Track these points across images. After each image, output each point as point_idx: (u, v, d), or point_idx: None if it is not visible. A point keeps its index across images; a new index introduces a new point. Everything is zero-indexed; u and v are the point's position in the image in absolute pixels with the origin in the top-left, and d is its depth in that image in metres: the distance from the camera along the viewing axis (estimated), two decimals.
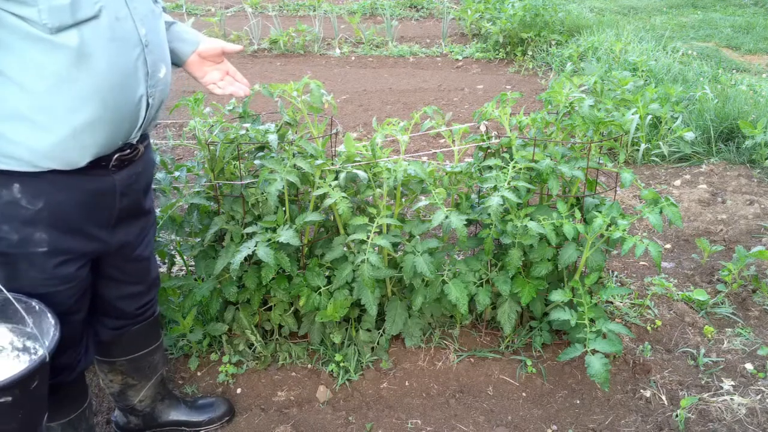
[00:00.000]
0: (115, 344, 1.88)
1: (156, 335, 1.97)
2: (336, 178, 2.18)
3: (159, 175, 2.38)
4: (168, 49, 1.62)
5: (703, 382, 2.32)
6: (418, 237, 2.26)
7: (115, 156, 1.52)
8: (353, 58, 7.38)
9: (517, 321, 2.45)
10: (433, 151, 4.29)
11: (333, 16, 8.08)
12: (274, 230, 2.12)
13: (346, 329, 2.43)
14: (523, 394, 2.29)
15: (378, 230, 2.16)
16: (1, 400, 1.26)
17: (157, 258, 2.13)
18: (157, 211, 2.31)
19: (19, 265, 1.48)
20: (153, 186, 2.37)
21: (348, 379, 2.32)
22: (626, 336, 2.48)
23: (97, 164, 1.48)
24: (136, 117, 1.51)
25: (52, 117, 1.36)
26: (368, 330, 2.42)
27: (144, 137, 1.64)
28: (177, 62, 1.81)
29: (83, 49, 1.34)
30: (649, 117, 4.42)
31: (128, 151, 1.55)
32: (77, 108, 1.38)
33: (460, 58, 7.31)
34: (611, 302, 2.74)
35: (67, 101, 1.36)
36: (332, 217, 2.35)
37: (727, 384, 2.29)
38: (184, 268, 2.65)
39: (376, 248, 2.20)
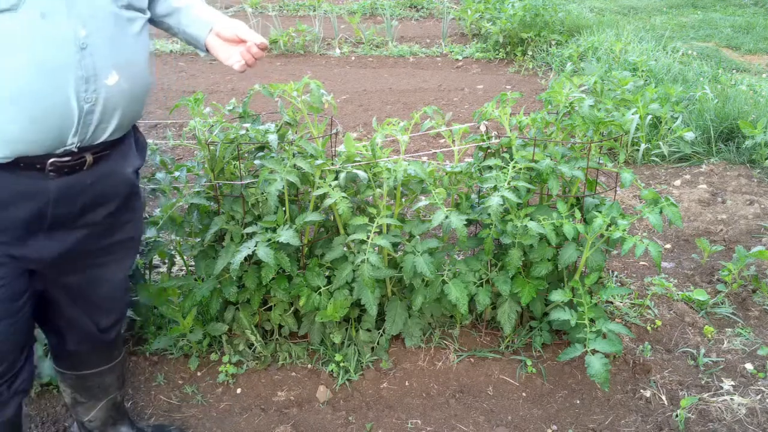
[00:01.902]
0: (62, 357, 1.83)
1: (108, 357, 1.88)
2: (336, 178, 2.18)
3: (159, 175, 2.38)
4: (133, 55, 1.52)
5: (703, 382, 2.32)
6: (418, 237, 2.26)
7: (50, 160, 1.43)
8: (353, 58, 7.38)
9: (517, 321, 2.45)
10: (433, 151, 4.29)
11: (333, 16, 8.08)
12: (274, 230, 2.12)
13: (346, 329, 2.43)
14: (523, 394, 2.29)
15: (378, 230, 2.16)
16: None
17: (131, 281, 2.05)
18: (157, 211, 2.31)
19: None
20: (153, 186, 2.38)
21: (348, 379, 2.32)
22: (626, 336, 2.48)
23: (31, 166, 1.42)
24: (67, 122, 1.41)
25: None
26: (368, 330, 2.42)
27: (97, 147, 1.51)
28: (199, 47, 1.79)
29: None
30: (649, 117, 4.42)
31: (68, 158, 1.45)
32: None
33: (460, 58, 7.31)
34: (611, 302, 2.74)
35: None
36: (332, 217, 2.35)
37: (727, 384, 2.29)
38: (184, 268, 2.65)
39: (376, 248, 2.20)
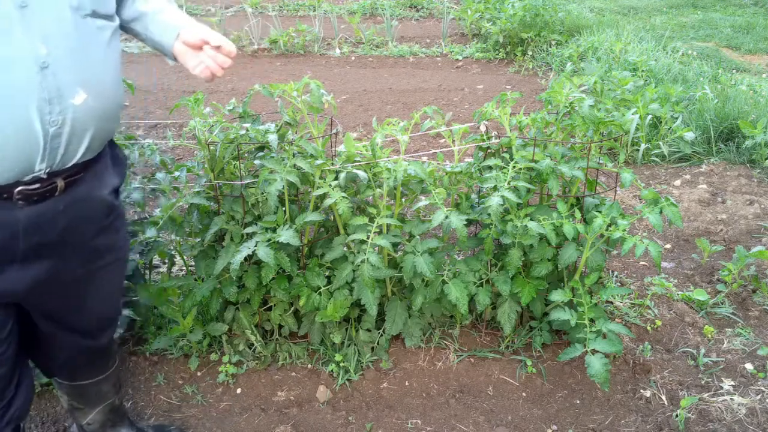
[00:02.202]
0: (57, 368, 1.78)
1: (102, 367, 1.85)
2: (336, 178, 2.18)
3: (159, 175, 2.38)
4: (102, 69, 1.41)
5: (703, 382, 2.32)
6: (418, 237, 2.26)
7: (18, 189, 1.34)
8: (353, 58, 7.38)
9: (517, 321, 2.45)
10: (433, 151, 4.29)
11: (333, 16, 8.08)
12: (274, 230, 2.12)
13: (346, 329, 2.43)
14: (523, 394, 2.29)
15: (378, 230, 2.16)
16: None
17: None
18: (157, 211, 2.31)
19: None
20: (153, 186, 2.38)
21: (348, 379, 2.32)
22: (626, 336, 2.48)
23: None
24: (33, 148, 1.31)
25: None
26: (368, 330, 2.42)
27: (68, 171, 1.42)
28: (168, 54, 1.66)
29: None
30: (649, 117, 4.42)
31: (37, 185, 1.36)
32: None
33: (460, 58, 7.31)
34: (611, 302, 2.74)
35: None
36: (332, 217, 2.35)
37: (727, 384, 2.29)
38: (184, 268, 2.65)
39: (376, 248, 2.20)
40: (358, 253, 2.16)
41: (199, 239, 2.33)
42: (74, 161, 1.40)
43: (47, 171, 1.36)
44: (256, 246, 2.05)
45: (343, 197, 2.11)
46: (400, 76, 6.62)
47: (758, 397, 2.23)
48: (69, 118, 1.33)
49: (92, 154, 1.46)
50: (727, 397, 2.21)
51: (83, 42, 1.36)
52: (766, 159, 4.20)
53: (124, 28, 1.63)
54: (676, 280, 2.96)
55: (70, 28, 1.33)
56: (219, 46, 1.61)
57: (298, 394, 2.27)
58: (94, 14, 1.38)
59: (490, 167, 2.28)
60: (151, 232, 2.34)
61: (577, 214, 2.22)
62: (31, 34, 1.26)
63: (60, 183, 1.41)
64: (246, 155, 2.27)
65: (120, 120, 1.56)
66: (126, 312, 2.21)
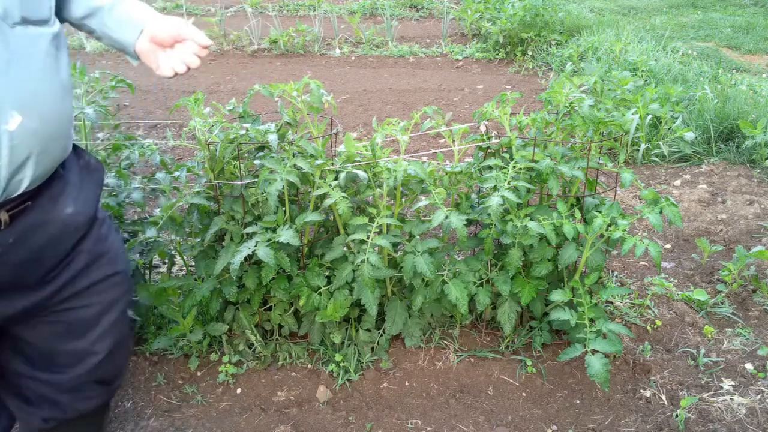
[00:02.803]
0: None
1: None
2: (336, 178, 2.18)
3: (159, 175, 2.38)
4: (40, 84, 1.22)
5: (703, 382, 2.32)
6: (418, 237, 2.26)
7: None
8: (353, 58, 7.38)
9: (517, 321, 2.45)
10: (433, 151, 4.29)
11: (333, 16, 8.08)
12: (274, 230, 2.12)
13: (346, 329, 2.43)
14: (523, 394, 2.29)
15: (378, 230, 2.16)
16: None
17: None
18: (157, 211, 2.31)
19: None
20: (153, 186, 2.38)
21: (348, 379, 2.32)
22: (626, 336, 2.48)
23: None
24: None
25: None
26: (368, 330, 2.42)
27: (14, 202, 1.25)
28: (130, 54, 1.46)
29: None
30: (649, 117, 4.42)
31: None
32: None
33: (460, 58, 7.31)
34: (611, 302, 2.74)
35: None
36: (332, 217, 2.35)
37: (727, 384, 2.29)
38: (184, 268, 2.65)
39: (376, 248, 2.20)
40: (358, 253, 2.16)
41: (199, 239, 2.33)
42: (21, 190, 1.23)
43: None
44: (256, 246, 2.05)
45: (343, 197, 2.11)
46: (400, 76, 6.62)
47: (758, 397, 2.23)
48: (4, 146, 1.15)
49: (42, 179, 1.28)
50: (727, 397, 2.21)
51: (15, 56, 1.15)
52: (766, 159, 4.20)
53: (77, 26, 1.44)
54: (676, 280, 2.96)
55: None
56: (192, 40, 1.43)
57: (298, 394, 2.27)
58: (25, 21, 1.18)
59: (490, 167, 2.28)
60: (151, 232, 2.34)
61: (577, 214, 2.22)
62: None
63: (3, 216, 1.23)
64: (246, 155, 2.27)
65: (73, 135, 1.38)
66: None
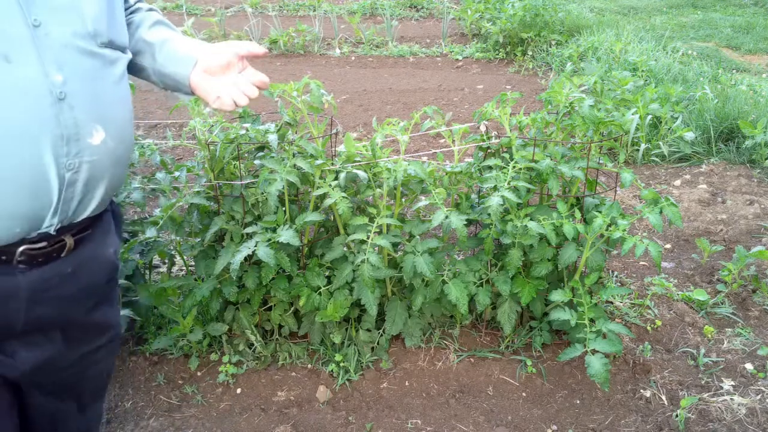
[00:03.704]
0: None
1: None
2: (336, 178, 2.18)
3: (159, 175, 2.38)
4: (117, 105, 1.20)
5: (703, 382, 2.32)
6: (418, 237, 2.26)
7: (21, 249, 1.10)
8: (353, 58, 7.38)
9: (517, 321, 2.45)
10: (433, 151, 4.29)
11: (333, 16, 8.08)
12: (274, 230, 2.12)
13: (346, 329, 2.43)
14: (523, 394, 2.29)
15: (378, 230, 2.16)
16: None
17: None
18: (157, 211, 2.31)
19: None
20: (153, 186, 2.38)
21: (348, 379, 2.32)
22: (626, 336, 2.48)
23: None
24: (45, 198, 1.08)
25: None
26: (368, 330, 2.42)
27: (78, 226, 1.19)
28: (183, 90, 1.42)
29: None
30: (649, 117, 4.42)
31: (43, 244, 1.13)
32: None
33: (460, 58, 7.31)
34: (611, 302, 2.74)
35: None
36: (332, 217, 2.35)
37: (727, 384, 2.29)
38: (184, 268, 2.65)
39: (376, 248, 2.20)
40: (358, 253, 2.16)
41: (199, 239, 2.33)
42: (86, 214, 1.18)
43: (58, 226, 1.13)
44: (256, 246, 2.05)
45: (343, 197, 2.11)
46: (400, 76, 6.62)
47: (758, 397, 2.23)
48: (86, 161, 1.12)
49: (103, 206, 1.25)
50: (727, 397, 2.21)
51: (99, 74, 1.16)
52: (766, 159, 4.20)
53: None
54: (676, 280, 2.96)
55: (87, 57, 1.14)
56: (248, 53, 1.40)
57: (298, 394, 2.27)
58: (111, 44, 1.20)
59: (490, 167, 2.28)
60: (151, 232, 2.34)
61: (577, 214, 2.22)
62: (46, 59, 1.06)
63: (69, 241, 1.17)
64: (246, 155, 2.27)
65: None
66: (126, 312, 2.22)
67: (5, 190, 1.04)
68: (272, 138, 2.10)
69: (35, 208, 1.08)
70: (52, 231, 1.12)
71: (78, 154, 1.10)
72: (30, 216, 1.08)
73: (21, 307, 1.13)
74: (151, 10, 1.46)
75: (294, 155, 2.12)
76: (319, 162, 2.15)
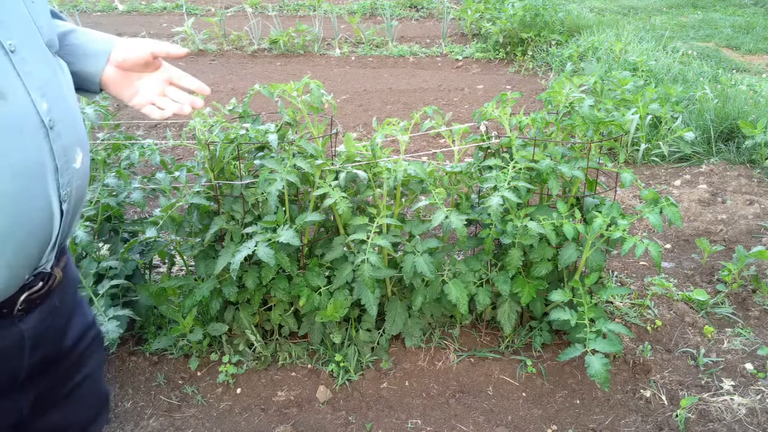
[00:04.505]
0: None
1: None
2: (336, 178, 2.18)
3: (159, 175, 2.38)
4: (79, 117, 1.09)
5: (703, 382, 2.32)
6: (418, 237, 2.26)
7: (22, 297, 1.02)
8: (353, 58, 7.38)
9: (517, 321, 2.45)
10: (433, 151, 4.29)
11: (333, 16, 8.08)
12: (274, 230, 2.12)
13: (346, 329, 2.43)
14: (523, 394, 2.29)
15: (378, 230, 2.16)
16: None
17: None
18: (157, 211, 2.31)
19: None
20: (153, 186, 2.38)
21: (348, 379, 2.32)
22: (626, 336, 2.48)
23: None
24: (47, 235, 1.00)
25: None
26: (368, 330, 2.42)
27: (61, 255, 1.11)
28: (90, 88, 1.24)
29: None
30: (649, 117, 4.42)
31: (40, 285, 1.04)
32: None
33: (460, 58, 7.31)
34: (611, 302, 2.74)
35: None
36: (332, 217, 2.35)
37: (727, 384, 2.29)
38: (184, 268, 2.65)
39: (376, 248, 2.20)
40: (358, 253, 2.16)
41: (199, 239, 2.33)
42: (68, 240, 1.12)
43: (53, 262, 1.07)
44: (256, 246, 2.05)
45: (343, 197, 2.11)
46: (400, 76, 6.62)
47: (758, 397, 2.23)
48: (74, 188, 1.05)
49: (79, 222, 1.18)
50: (727, 397, 2.21)
51: (64, 87, 1.06)
52: (766, 159, 4.20)
53: None
54: (676, 280, 2.96)
55: (52, 72, 1.03)
56: (166, 54, 1.26)
57: (298, 394, 2.27)
58: (51, 47, 1.07)
59: (490, 167, 2.28)
60: (151, 232, 2.34)
61: (577, 214, 2.22)
62: (29, 87, 0.96)
63: (59, 274, 1.09)
64: (246, 155, 2.27)
65: None
66: (126, 312, 2.22)
67: (20, 238, 0.95)
68: (272, 138, 2.10)
69: (42, 250, 1.01)
70: (48, 268, 1.06)
71: (69, 183, 1.03)
72: (37, 259, 1.01)
73: (25, 355, 1.07)
74: None
75: (294, 155, 2.12)
76: (319, 162, 2.15)
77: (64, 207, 1.02)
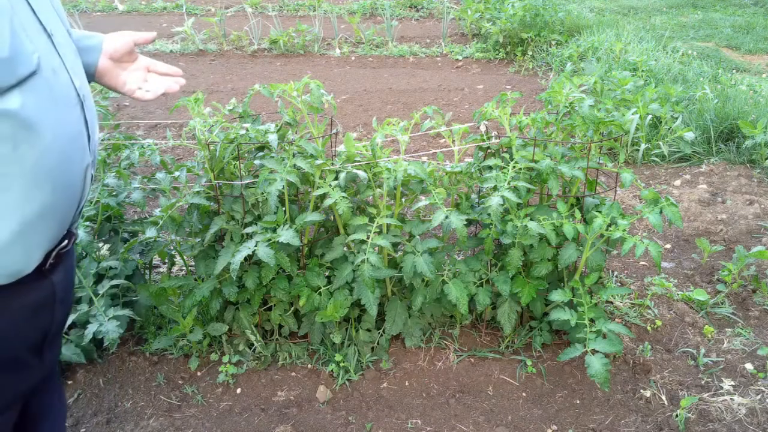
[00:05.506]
0: None
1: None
2: (336, 178, 2.18)
3: (159, 175, 2.38)
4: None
5: (703, 382, 2.32)
6: (418, 237, 2.26)
7: (54, 252, 1.14)
8: (353, 58, 7.38)
9: (517, 321, 2.45)
10: (433, 151, 4.29)
11: (333, 16, 8.08)
12: (274, 230, 2.12)
13: (346, 329, 2.43)
14: (523, 394, 2.29)
15: (378, 230, 2.16)
16: None
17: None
18: (157, 211, 2.31)
19: None
20: (153, 186, 2.38)
21: (348, 379, 2.32)
22: (626, 336, 2.48)
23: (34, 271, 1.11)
24: (79, 199, 1.16)
25: None
26: (368, 330, 2.42)
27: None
28: (90, 74, 1.42)
29: (27, 117, 0.99)
30: (649, 117, 4.42)
31: (66, 242, 1.17)
32: (26, 197, 1.01)
33: (460, 58, 7.31)
34: (611, 302, 2.74)
35: (13, 190, 1.00)
36: (332, 217, 2.35)
37: (727, 384, 2.29)
38: (184, 268, 2.65)
39: (376, 248, 2.20)
40: (358, 253, 2.16)
41: (199, 239, 2.33)
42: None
43: (76, 224, 1.22)
44: (256, 246, 2.05)
45: (343, 197, 2.11)
46: (400, 76, 6.62)
47: (758, 397, 2.23)
48: (95, 157, 1.22)
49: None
50: (727, 397, 2.21)
51: (82, 68, 1.23)
52: (766, 159, 4.20)
53: None
54: (676, 280, 2.96)
55: (76, 55, 1.20)
56: (143, 40, 1.45)
57: (298, 394, 2.27)
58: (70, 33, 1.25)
59: (490, 167, 2.28)
60: (151, 232, 2.34)
61: (577, 214, 2.22)
62: (67, 65, 1.12)
63: (77, 232, 1.24)
64: (246, 155, 2.27)
65: None
66: (126, 312, 2.22)
67: (69, 198, 1.12)
68: (272, 138, 2.10)
69: (74, 213, 1.16)
70: (74, 228, 1.20)
71: (93, 152, 1.19)
72: (71, 220, 1.17)
73: (55, 309, 1.19)
74: None
75: (294, 155, 2.12)
76: (319, 162, 2.15)
77: (90, 171, 1.18)
